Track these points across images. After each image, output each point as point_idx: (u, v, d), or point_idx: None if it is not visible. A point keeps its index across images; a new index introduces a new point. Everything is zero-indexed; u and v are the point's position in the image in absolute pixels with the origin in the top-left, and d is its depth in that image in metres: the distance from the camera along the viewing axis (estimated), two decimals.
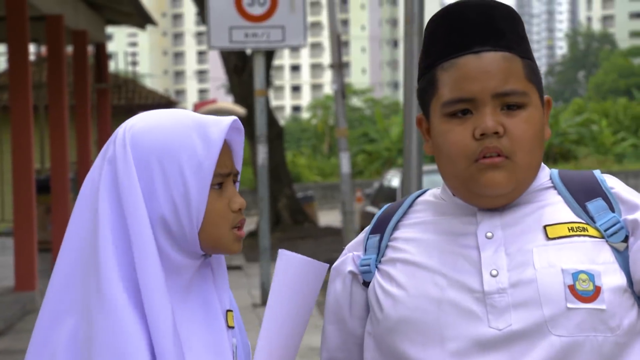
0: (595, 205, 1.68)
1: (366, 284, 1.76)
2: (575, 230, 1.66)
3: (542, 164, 1.75)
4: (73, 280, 1.63)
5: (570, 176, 1.73)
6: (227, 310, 1.69)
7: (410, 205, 1.79)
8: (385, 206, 1.82)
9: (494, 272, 1.65)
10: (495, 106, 1.65)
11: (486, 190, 1.66)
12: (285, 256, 1.69)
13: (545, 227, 1.67)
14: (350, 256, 1.79)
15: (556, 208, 1.69)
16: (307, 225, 20.40)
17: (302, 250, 16.33)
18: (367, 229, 1.79)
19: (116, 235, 1.61)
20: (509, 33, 1.68)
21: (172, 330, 1.59)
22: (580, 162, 37.31)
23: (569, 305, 1.61)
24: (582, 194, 1.70)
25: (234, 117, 1.68)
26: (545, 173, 1.74)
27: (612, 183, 1.72)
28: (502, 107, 1.66)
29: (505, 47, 1.67)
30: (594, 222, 1.67)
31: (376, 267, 1.75)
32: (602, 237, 1.66)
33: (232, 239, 1.67)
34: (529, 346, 1.62)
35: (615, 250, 1.66)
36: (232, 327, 1.69)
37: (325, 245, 17.59)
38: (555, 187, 1.72)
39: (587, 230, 1.67)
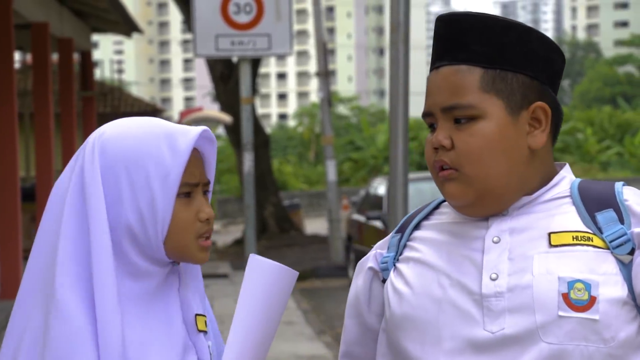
0: (604, 216, 1.68)
1: (385, 281, 1.80)
2: (579, 239, 1.67)
3: (567, 173, 1.75)
4: (36, 286, 1.64)
5: (589, 186, 1.74)
6: (198, 315, 1.70)
7: (437, 207, 1.83)
8: (418, 208, 1.86)
9: (494, 276, 1.67)
10: (448, 120, 1.70)
11: (449, 201, 1.72)
12: (256, 261, 1.68)
13: (549, 234, 1.68)
14: (374, 253, 1.84)
15: (566, 217, 1.70)
16: (294, 233, 20.38)
17: (288, 258, 16.31)
18: (396, 228, 1.85)
19: (77, 242, 1.63)
20: (472, 44, 1.70)
21: (120, 342, 1.60)
22: None
23: (560, 313, 1.62)
24: (595, 204, 1.70)
25: (204, 127, 1.69)
26: (566, 182, 1.75)
27: (628, 195, 1.71)
28: (455, 120, 1.70)
29: (464, 59, 1.70)
30: (601, 232, 1.67)
31: (394, 264, 1.79)
32: (608, 248, 1.66)
33: (197, 249, 1.68)
34: (519, 351, 1.63)
35: (620, 262, 1.65)
36: (204, 331, 1.70)
37: (311, 253, 17.56)
38: (571, 197, 1.72)
39: (592, 240, 1.67)
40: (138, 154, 1.64)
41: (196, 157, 1.68)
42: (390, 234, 1.84)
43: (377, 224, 13.28)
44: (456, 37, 1.71)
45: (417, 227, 1.81)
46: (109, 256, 1.62)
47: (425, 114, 1.73)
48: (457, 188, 1.69)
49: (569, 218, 1.70)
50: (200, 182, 1.68)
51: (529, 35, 1.72)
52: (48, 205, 1.68)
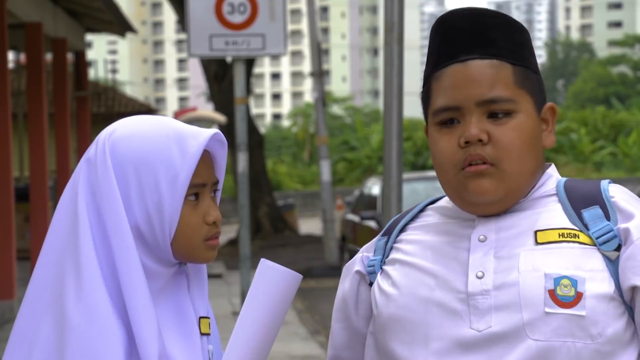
0: (590, 213, 1.68)
1: (372, 284, 1.79)
2: (565, 236, 1.67)
3: (553, 172, 1.76)
4: (52, 280, 1.63)
5: (575, 185, 1.74)
6: (202, 317, 1.69)
7: (422, 210, 1.82)
8: (404, 211, 1.85)
9: (480, 274, 1.66)
10: (481, 114, 1.67)
11: (475, 198, 1.68)
12: (266, 266, 1.68)
13: (536, 232, 1.68)
14: (360, 257, 1.83)
15: (552, 214, 1.70)
16: (288, 233, 20.39)
17: (282, 258, 16.31)
18: (382, 231, 1.84)
19: (95, 240, 1.61)
20: (500, 41, 1.69)
21: (158, 337, 1.59)
22: (559, 171, 37.36)
23: (547, 310, 1.62)
24: (581, 201, 1.70)
25: (216, 130, 1.68)
26: (553, 181, 1.75)
27: (614, 192, 1.71)
28: (489, 114, 1.67)
29: (494, 54, 1.69)
30: (588, 229, 1.67)
31: (380, 267, 1.78)
32: (594, 245, 1.66)
33: (205, 249, 1.67)
34: (507, 349, 1.62)
35: (607, 258, 1.65)
36: (207, 334, 1.69)
37: (305, 253, 17.58)
38: (557, 195, 1.72)
39: (579, 237, 1.66)
40: (148, 156, 1.63)
41: (206, 158, 1.68)
42: (377, 237, 1.83)
43: (371, 224, 13.29)
44: (483, 31, 1.69)
45: (403, 229, 1.80)
46: (135, 255, 1.61)
47: (448, 108, 1.68)
48: (490, 184, 1.66)
49: (555, 215, 1.69)
50: (208, 183, 1.67)
51: (530, 37, 1.74)
52: (59, 204, 1.66)
